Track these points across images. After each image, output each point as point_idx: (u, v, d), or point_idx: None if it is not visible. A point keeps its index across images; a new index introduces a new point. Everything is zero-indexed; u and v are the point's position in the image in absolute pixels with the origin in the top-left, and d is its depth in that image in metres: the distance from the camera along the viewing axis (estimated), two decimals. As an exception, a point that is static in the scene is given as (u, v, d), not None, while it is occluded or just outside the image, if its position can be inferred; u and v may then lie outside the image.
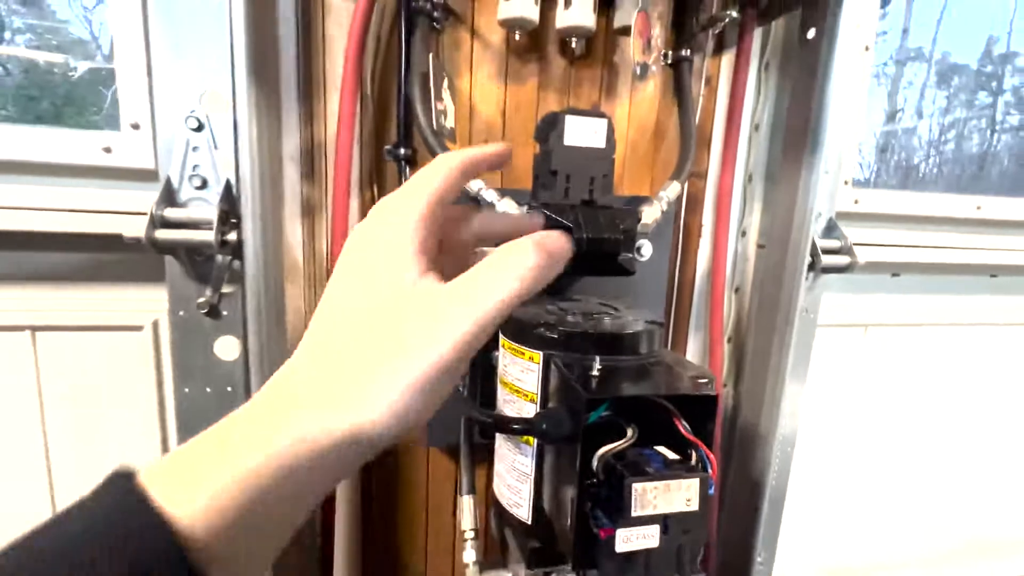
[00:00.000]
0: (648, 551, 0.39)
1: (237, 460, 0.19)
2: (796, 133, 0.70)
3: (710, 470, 0.42)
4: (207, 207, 0.53)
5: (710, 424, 0.44)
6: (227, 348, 0.58)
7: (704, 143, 0.75)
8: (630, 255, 0.59)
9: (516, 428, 0.47)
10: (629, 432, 0.44)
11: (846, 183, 0.80)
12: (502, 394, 0.57)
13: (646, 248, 0.72)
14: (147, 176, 0.56)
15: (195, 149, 0.54)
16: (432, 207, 0.24)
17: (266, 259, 0.53)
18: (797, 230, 0.69)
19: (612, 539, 0.38)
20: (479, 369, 0.62)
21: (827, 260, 0.71)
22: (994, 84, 1.02)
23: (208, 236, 0.51)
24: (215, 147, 0.54)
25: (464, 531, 0.60)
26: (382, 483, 0.73)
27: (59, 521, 0.18)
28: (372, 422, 0.20)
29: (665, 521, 0.39)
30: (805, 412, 0.90)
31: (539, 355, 0.51)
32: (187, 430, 0.59)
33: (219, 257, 0.56)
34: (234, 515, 0.18)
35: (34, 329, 0.61)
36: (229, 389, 0.59)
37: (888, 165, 0.99)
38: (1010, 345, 0.99)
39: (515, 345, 0.54)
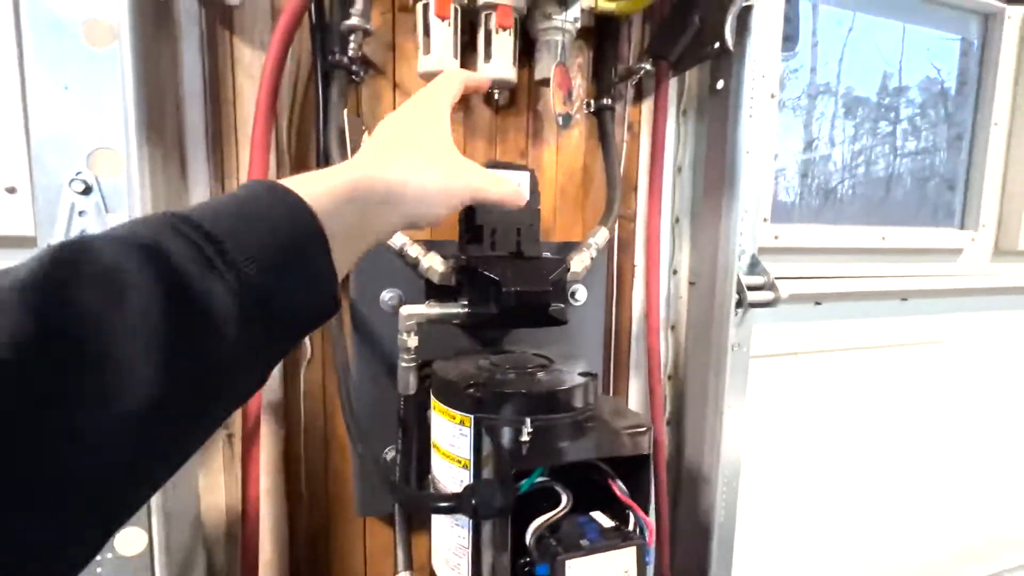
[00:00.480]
0: (585, 632, 0.37)
1: (330, 179, 0.30)
2: (714, 176, 0.73)
3: (647, 535, 0.40)
4: (96, 276, 0.48)
5: (644, 483, 0.43)
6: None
7: (631, 187, 0.77)
8: (561, 305, 0.58)
9: (443, 507, 0.44)
10: (564, 500, 0.42)
11: (765, 220, 0.84)
12: (435, 459, 0.54)
13: (580, 293, 0.73)
14: (25, 243, 0.51)
15: (81, 214, 0.49)
16: (452, 103, 0.39)
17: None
18: (723, 269, 0.71)
19: (547, 623, 0.36)
20: (413, 431, 0.59)
21: (752, 296, 0.73)
22: (892, 115, 1.12)
23: (96, 309, 0.46)
24: (105, 210, 0.49)
25: (401, 614, 0.55)
26: (315, 560, 0.67)
27: (220, 199, 0.27)
28: (401, 183, 0.32)
29: (602, 597, 0.37)
30: (747, 443, 0.91)
31: (470, 418, 0.49)
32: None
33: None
34: (333, 207, 0.28)
35: None
36: None
37: (810, 188, 1.06)
38: (922, 363, 1.05)
39: (445, 408, 0.51)
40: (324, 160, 0.59)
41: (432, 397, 0.54)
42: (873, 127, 1.11)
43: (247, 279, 0.24)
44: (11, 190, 0.51)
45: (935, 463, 1.11)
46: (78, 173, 0.48)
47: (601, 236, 0.65)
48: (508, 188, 0.38)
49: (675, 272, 0.82)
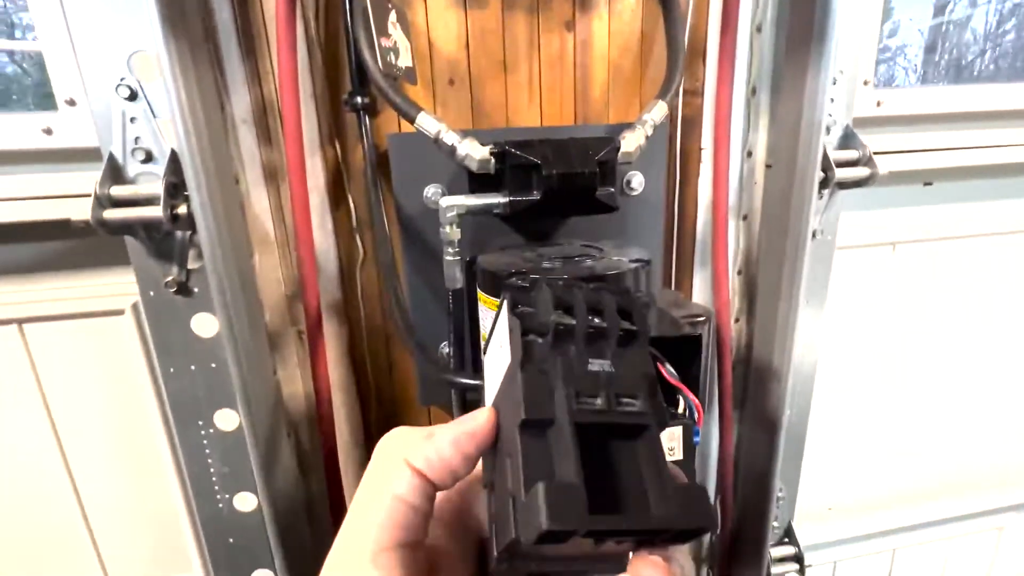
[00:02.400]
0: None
1: None
2: (801, 30, 0.61)
3: (696, 417, 0.38)
4: (156, 181, 0.51)
5: (696, 367, 0.40)
6: (204, 325, 0.57)
7: (698, 53, 0.67)
8: (610, 189, 0.53)
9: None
10: (607, 381, 0.40)
11: (866, 83, 0.70)
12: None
13: (637, 180, 0.67)
14: (93, 156, 0.54)
15: (132, 120, 0.50)
16: (386, 546, 0.21)
17: (220, 230, 0.50)
18: (805, 143, 0.62)
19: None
20: (464, 325, 0.60)
21: (842, 174, 0.63)
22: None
23: (160, 212, 0.49)
24: (154, 115, 0.51)
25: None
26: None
27: None
28: None
29: (646, 473, 0.36)
30: (828, 342, 0.84)
31: (513, 307, 0.47)
32: (180, 408, 0.59)
33: (178, 233, 0.54)
34: None
35: (20, 322, 0.62)
36: (213, 366, 0.58)
37: (938, 67, 0.87)
38: None
39: (488, 298, 0.50)
40: (355, 50, 0.56)
41: (478, 290, 0.53)
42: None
43: None
44: (70, 102, 0.53)
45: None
46: (122, 79, 0.49)
47: (658, 111, 0.58)
48: None
49: (749, 154, 0.72)
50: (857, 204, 0.78)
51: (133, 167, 0.51)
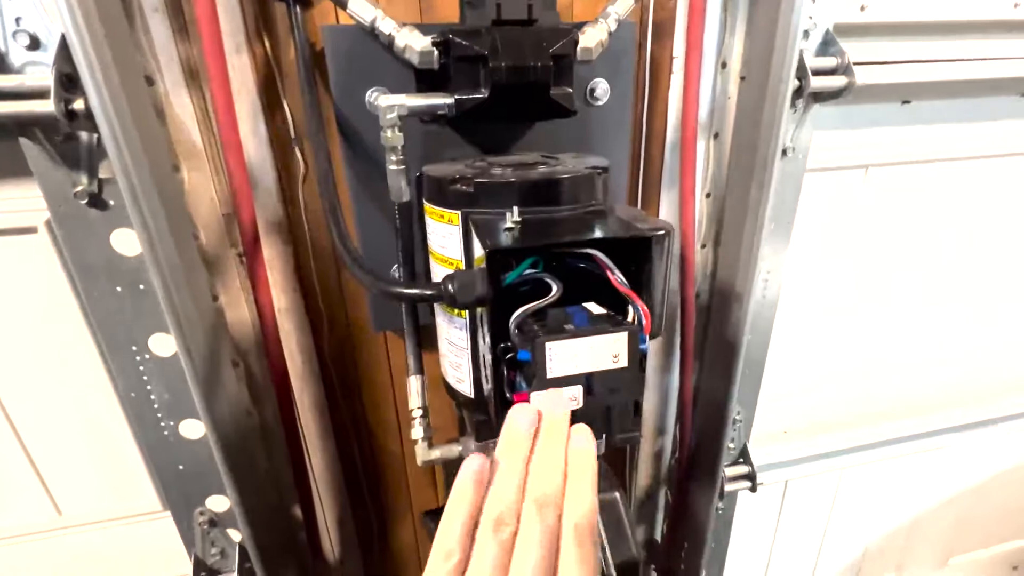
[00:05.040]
0: (571, 414, 0.35)
1: None
2: (785, -87, 0.55)
3: (644, 325, 0.36)
4: (47, 72, 0.44)
5: (647, 268, 0.38)
6: (125, 242, 0.52)
7: (671, -55, 0.60)
8: (567, 89, 0.49)
9: (425, 295, 0.41)
10: (554, 289, 0.38)
11: (851, -15, 0.65)
12: (432, 266, 0.52)
13: (602, 89, 0.62)
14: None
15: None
16: None
17: (127, 132, 0.44)
18: (781, 48, 0.57)
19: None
20: (412, 241, 0.56)
21: (817, 83, 0.59)
22: None
23: (51, 107, 0.43)
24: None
25: (412, 410, 0.58)
26: (344, 374, 0.71)
27: None
28: None
29: (588, 380, 0.35)
30: (793, 267, 0.83)
31: (457, 215, 0.44)
32: (110, 332, 0.55)
33: (83, 135, 0.48)
34: None
35: (-81, 240, 0.56)
36: (142, 287, 0.54)
37: None
38: None
39: (433, 208, 0.46)
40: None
41: (424, 201, 0.49)
42: None
43: None
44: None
45: None
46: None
47: (623, 4, 0.52)
48: None
49: (724, 65, 0.67)
50: (830, 123, 0.74)
51: (17, 54, 0.44)
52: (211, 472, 0.63)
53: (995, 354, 1.04)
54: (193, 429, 0.61)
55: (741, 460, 0.86)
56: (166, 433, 0.61)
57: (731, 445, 0.84)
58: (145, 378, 0.58)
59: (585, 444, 0.28)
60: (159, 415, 0.60)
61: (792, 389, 0.96)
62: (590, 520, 0.26)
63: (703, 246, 0.76)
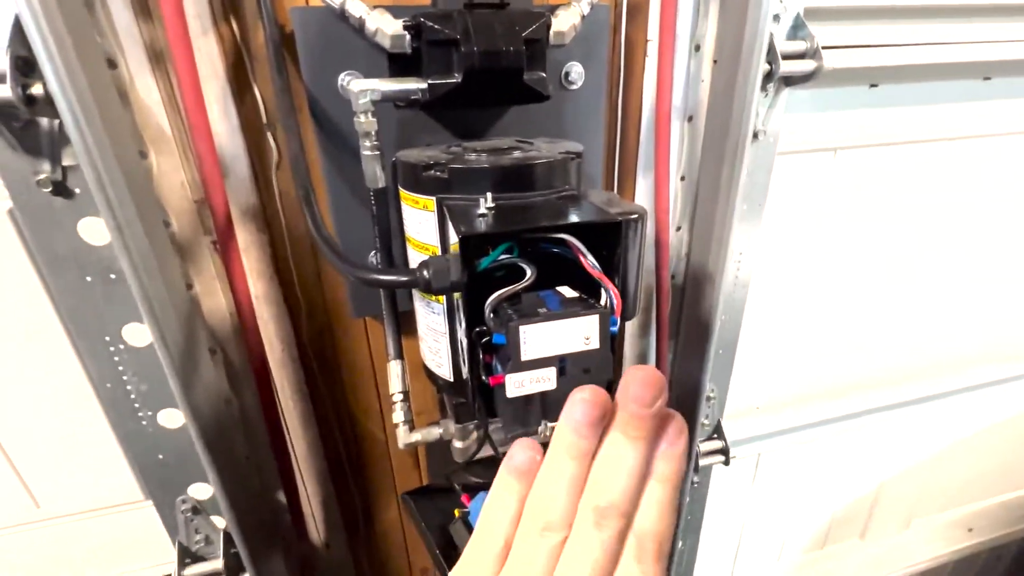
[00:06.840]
0: (545, 394, 0.36)
1: None
2: None
3: (615, 307, 0.37)
4: (1, 53, 0.42)
5: (619, 252, 0.39)
6: (93, 231, 0.51)
7: (645, -74, 0.60)
8: (541, 74, 0.49)
9: (399, 282, 0.42)
10: (528, 274, 0.39)
11: (821, -32, 0.66)
12: (410, 252, 0.52)
13: (576, 73, 0.62)
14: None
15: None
16: None
17: (89, 117, 0.43)
18: (752, 31, 0.58)
19: (503, 387, 0.35)
20: (388, 228, 0.56)
21: (788, 67, 0.61)
22: None
23: (8, 92, 0.41)
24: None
25: (392, 394, 0.58)
26: (324, 359, 0.71)
27: None
28: None
29: (561, 362, 0.36)
30: (764, 248, 0.86)
31: (432, 201, 0.44)
32: (81, 323, 0.54)
33: (43, 122, 0.46)
34: None
35: None
36: (113, 277, 0.53)
37: None
38: (1007, 156, 0.91)
39: (408, 194, 0.47)
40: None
41: (399, 187, 0.49)
42: None
43: None
44: None
45: (1002, 279, 1.03)
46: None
47: (597, -13, 0.52)
48: None
49: (697, 48, 0.68)
50: (800, 107, 0.76)
51: (-31, 37, 0.42)
52: (192, 461, 0.63)
53: (955, 331, 1.09)
54: (172, 418, 0.61)
55: (715, 435, 0.89)
56: (144, 423, 0.61)
57: (705, 421, 0.87)
58: (120, 368, 0.57)
59: (676, 446, 0.22)
60: (136, 405, 0.60)
61: (765, 366, 0.99)
62: (662, 541, 0.20)
63: (678, 228, 0.78)
